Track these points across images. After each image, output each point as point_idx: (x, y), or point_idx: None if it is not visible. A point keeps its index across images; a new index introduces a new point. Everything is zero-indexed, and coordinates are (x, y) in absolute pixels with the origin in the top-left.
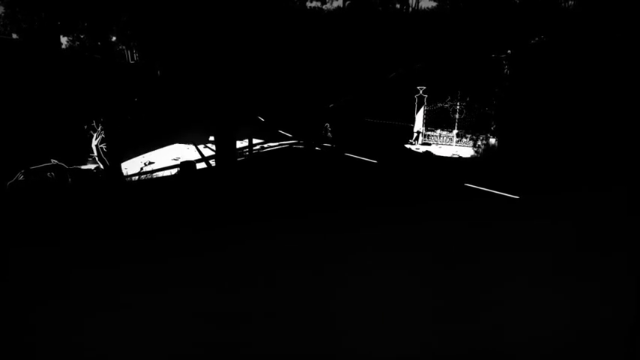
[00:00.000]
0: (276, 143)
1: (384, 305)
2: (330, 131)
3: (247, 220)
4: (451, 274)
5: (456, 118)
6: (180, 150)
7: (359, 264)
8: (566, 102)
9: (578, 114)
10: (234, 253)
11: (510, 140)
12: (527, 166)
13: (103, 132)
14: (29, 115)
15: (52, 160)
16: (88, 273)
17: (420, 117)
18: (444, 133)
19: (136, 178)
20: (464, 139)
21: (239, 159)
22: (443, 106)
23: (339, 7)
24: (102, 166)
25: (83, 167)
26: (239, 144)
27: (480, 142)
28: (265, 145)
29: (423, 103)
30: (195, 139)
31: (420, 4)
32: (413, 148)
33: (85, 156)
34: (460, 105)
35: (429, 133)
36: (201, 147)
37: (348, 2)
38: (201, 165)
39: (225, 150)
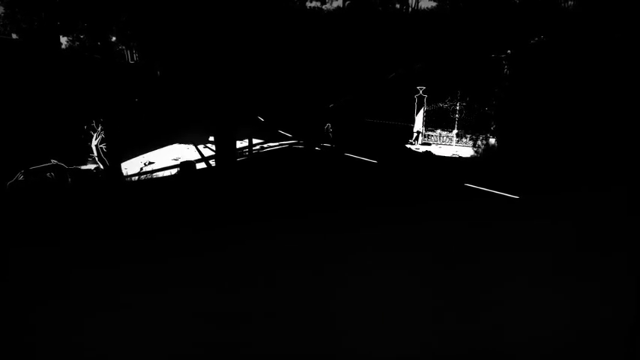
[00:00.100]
0: (276, 143)
1: (384, 305)
2: (332, 131)
3: (247, 220)
4: (451, 274)
5: (455, 118)
6: (180, 150)
7: (359, 264)
8: (565, 102)
9: (578, 114)
10: (234, 253)
11: (510, 140)
12: (527, 166)
13: (102, 132)
14: (29, 115)
15: (52, 160)
16: (88, 273)
17: (419, 117)
18: (444, 133)
19: (136, 178)
20: (464, 139)
21: (239, 159)
22: (443, 106)
23: (338, 7)
24: (102, 166)
25: (83, 167)
26: (239, 144)
27: (479, 142)
28: (265, 145)
29: (422, 103)
30: (195, 139)
31: (419, 4)
32: (413, 148)
33: (85, 156)
34: (460, 105)
35: (428, 133)
36: (201, 147)
37: (347, 2)
38: (201, 165)
39: (225, 150)
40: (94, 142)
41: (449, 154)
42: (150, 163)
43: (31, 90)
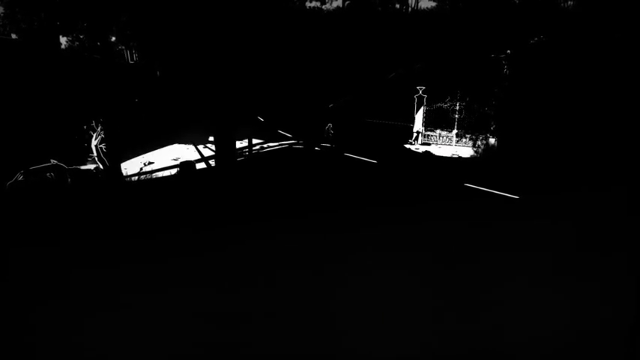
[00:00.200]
0: (276, 143)
1: (384, 305)
2: (332, 131)
3: (247, 220)
4: (451, 274)
5: (455, 118)
6: (180, 150)
7: (359, 264)
8: (565, 102)
9: (578, 114)
10: (234, 253)
11: (510, 140)
12: (526, 166)
13: (102, 132)
14: (29, 116)
15: (52, 161)
16: (88, 273)
17: (419, 117)
18: (444, 133)
19: (136, 178)
20: (463, 139)
21: (239, 159)
22: (442, 106)
23: (338, 7)
24: (101, 167)
25: (83, 167)
26: (239, 144)
27: (479, 142)
28: (265, 145)
29: (422, 103)
30: (194, 139)
31: (419, 4)
32: (412, 148)
33: (85, 156)
34: (460, 105)
35: (428, 133)
36: (200, 147)
37: (347, 2)
38: (200, 165)
39: (224, 150)
40: (94, 142)
41: (448, 154)
42: (150, 163)
43: (30, 90)
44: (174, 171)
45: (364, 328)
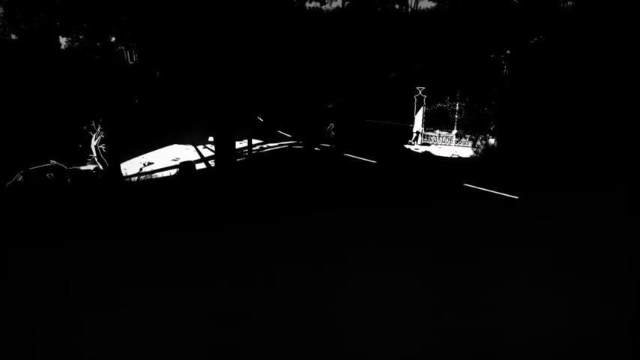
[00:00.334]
0: (276, 144)
1: (384, 305)
2: (334, 132)
3: (247, 220)
4: (451, 274)
5: (455, 119)
6: (180, 150)
7: (359, 264)
8: (565, 102)
9: (578, 114)
10: (234, 253)
11: (510, 140)
12: (526, 166)
13: (102, 132)
14: (28, 116)
15: (51, 161)
16: (88, 273)
17: (419, 117)
18: (444, 133)
19: (136, 178)
20: (463, 140)
21: (238, 159)
22: (442, 107)
23: (338, 7)
24: (101, 167)
25: (82, 168)
26: (238, 144)
27: (479, 143)
28: (265, 146)
29: (422, 104)
30: (194, 139)
31: (419, 5)
32: (412, 148)
33: (85, 157)
34: (459, 105)
35: (428, 133)
36: (200, 147)
37: (347, 3)
38: (200, 165)
39: (224, 150)
40: (94, 143)
41: (448, 155)
42: (149, 163)
43: (30, 90)
44: (174, 171)
45: (364, 328)
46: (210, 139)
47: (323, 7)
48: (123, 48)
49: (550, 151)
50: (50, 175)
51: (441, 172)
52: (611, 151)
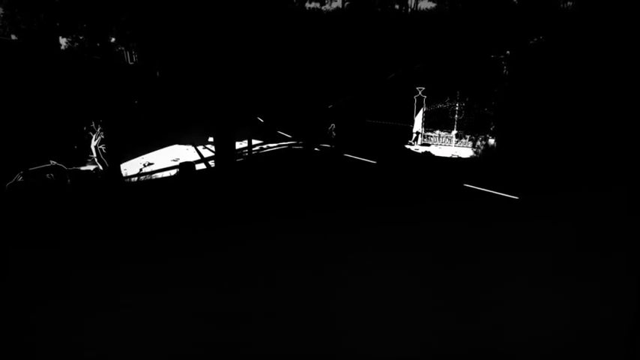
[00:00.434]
0: (276, 144)
1: (384, 305)
2: (335, 132)
3: (247, 220)
4: (451, 274)
5: (455, 119)
6: (180, 151)
7: (359, 264)
8: (565, 102)
9: (578, 114)
10: (234, 253)
11: (509, 141)
12: (526, 167)
13: (102, 133)
14: (28, 117)
15: (51, 162)
16: (88, 273)
17: (419, 118)
18: (443, 133)
19: (136, 179)
20: (463, 140)
21: (238, 160)
22: (442, 107)
23: (337, 7)
24: (101, 167)
25: (82, 168)
26: (238, 145)
27: (479, 143)
28: (265, 146)
29: (422, 104)
30: (194, 140)
31: (418, 5)
32: (412, 148)
33: (85, 157)
34: (459, 105)
35: (428, 133)
36: (200, 148)
37: (347, 3)
38: (200, 166)
39: (224, 151)
40: (94, 143)
41: (448, 155)
42: (149, 164)
43: (30, 91)
44: (173, 172)
45: (364, 328)
46: (210, 139)
47: (323, 7)
48: (123, 48)
49: (550, 151)
50: (50, 176)
51: (441, 173)
52: (611, 151)
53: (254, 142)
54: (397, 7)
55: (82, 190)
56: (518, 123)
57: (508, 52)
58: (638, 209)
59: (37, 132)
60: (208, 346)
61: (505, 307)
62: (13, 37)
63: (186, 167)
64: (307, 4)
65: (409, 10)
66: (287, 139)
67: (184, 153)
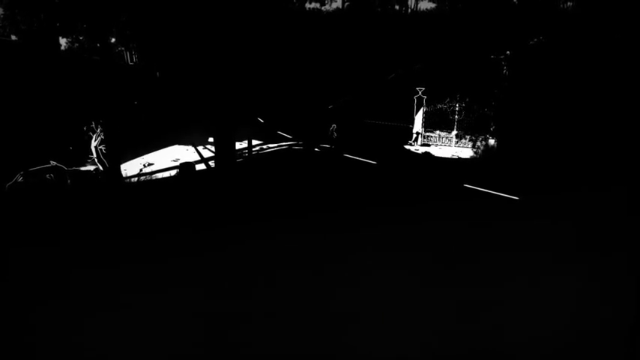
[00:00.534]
0: (276, 144)
1: (384, 305)
2: (336, 132)
3: (247, 220)
4: (451, 274)
5: (455, 119)
6: (180, 151)
7: (359, 264)
8: (565, 102)
9: (578, 114)
10: (234, 253)
11: (510, 141)
12: (526, 167)
13: (102, 133)
14: (28, 117)
15: (51, 162)
16: (88, 273)
17: (419, 118)
18: (444, 134)
19: (136, 179)
20: (463, 140)
21: (238, 160)
22: (442, 107)
23: (337, 8)
24: (101, 168)
25: (82, 169)
26: (238, 145)
27: (479, 143)
28: (265, 146)
29: (422, 104)
30: (194, 140)
31: (418, 5)
32: (412, 149)
33: (85, 157)
34: (459, 106)
35: (428, 134)
36: (200, 148)
37: (347, 3)
38: (200, 166)
39: (224, 151)
40: (94, 144)
41: (448, 155)
42: (149, 164)
43: (30, 91)
44: (174, 172)
45: (364, 328)
46: (211, 139)
47: (323, 7)
48: (123, 49)
49: (550, 151)
50: (50, 176)
51: (441, 173)
52: (611, 151)
53: (254, 142)
54: (397, 7)
55: (82, 191)
56: (518, 123)
57: (508, 52)
58: (638, 209)
59: (38, 132)
60: (208, 346)
61: (505, 307)
62: (14, 37)
63: (186, 167)
64: (307, 5)
65: (409, 10)
66: (287, 140)
67: (184, 153)
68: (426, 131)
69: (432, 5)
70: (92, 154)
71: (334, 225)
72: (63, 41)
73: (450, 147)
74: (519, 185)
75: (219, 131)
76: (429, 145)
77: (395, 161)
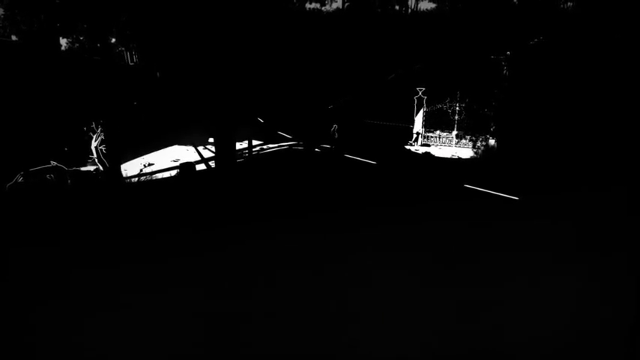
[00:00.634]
0: (276, 145)
1: (383, 305)
2: (337, 133)
3: (247, 220)
4: (451, 274)
5: (455, 120)
6: (180, 151)
7: (359, 264)
8: (565, 102)
9: (578, 114)
10: (234, 253)
11: (510, 141)
12: (526, 167)
13: (102, 134)
14: (29, 117)
15: (52, 162)
16: (88, 273)
17: (419, 118)
18: (444, 134)
19: (136, 179)
20: (463, 140)
21: (238, 160)
22: (442, 108)
23: (338, 8)
24: (101, 168)
25: (83, 169)
26: (238, 145)
27: (479, 143)
28: (265, 147)
29: (422, 105)
30: (194, 140)
31: (419, 6)
32: (412, 149)
33: (85, 158)
34: (459, 106)
35: (428, 134)
36: (200, 148)
37: (347, 4)
38: (200, 166)
39: (224, 151)
40: (94, 144)
41: (448, 156)
42: (149, 164)
43: (30, 92)
44: (174, 172)
45: (364, 328)
46: (211, 139)
47: (323, 8)
48: (123, 49)
49: (550, 151)
50: (50, 176)
51: (441, 173)
52: (611, 151)
53: (254, 142)
54: (397, 7)
55: (82, 191)
56: (518, 123)
57: (508, 52)
58: (638, 209)
59: (38, 132)
60: (208, 346)
61: (505, 307)
62: (14, 37)
63: (186, 168)
64: (307, 5)
65: (409, 10)
66: (287, 140)
67: (184, 153)
68: (426, 131)
69: (432, 5)
70: (92, 155)
71: (334, 225)
72: (63, 41)
73: (450, 147)
74: (519, 185)
75: (219, 131)
76: (429, 145)
77: (395, 161)
